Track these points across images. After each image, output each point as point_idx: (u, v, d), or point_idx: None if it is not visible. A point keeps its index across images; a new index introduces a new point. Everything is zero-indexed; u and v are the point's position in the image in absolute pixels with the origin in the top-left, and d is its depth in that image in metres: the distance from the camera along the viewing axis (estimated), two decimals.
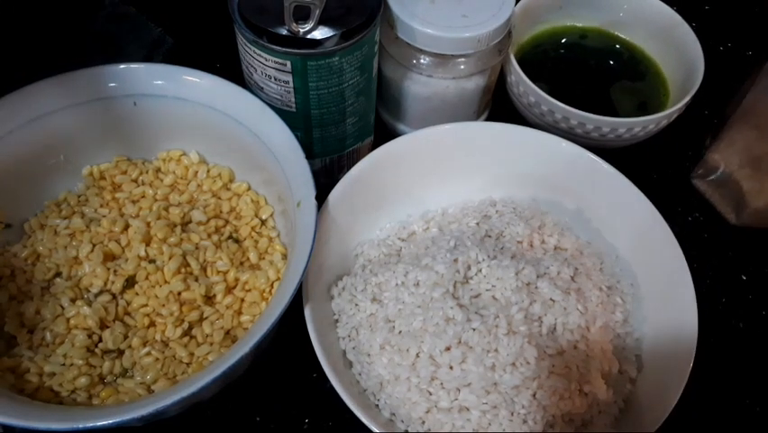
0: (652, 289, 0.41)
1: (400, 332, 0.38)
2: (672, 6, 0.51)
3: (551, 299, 0.38)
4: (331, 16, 0.37)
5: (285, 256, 0.42)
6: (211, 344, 0.38)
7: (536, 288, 0.38)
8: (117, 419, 0.31)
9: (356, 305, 0.40)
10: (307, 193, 0.37)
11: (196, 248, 0.41)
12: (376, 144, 0.44)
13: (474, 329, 0.36)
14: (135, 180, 0.44)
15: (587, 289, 0.39)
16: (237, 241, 0.43)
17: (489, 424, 0.35)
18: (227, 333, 0.39)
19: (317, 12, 0.36)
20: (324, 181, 0.42)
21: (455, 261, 0.39)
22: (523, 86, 0.47)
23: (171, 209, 0.42)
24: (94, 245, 0.40)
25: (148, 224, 0.41)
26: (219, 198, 0.44)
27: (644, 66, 0.53)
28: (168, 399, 0.31)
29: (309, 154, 0.39)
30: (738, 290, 0.47)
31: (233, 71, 0.42)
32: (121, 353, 0.38)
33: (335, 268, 0.41)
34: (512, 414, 0.35)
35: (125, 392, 0.37)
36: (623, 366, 0.38)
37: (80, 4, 0.50)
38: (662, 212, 0.41)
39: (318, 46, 0.37)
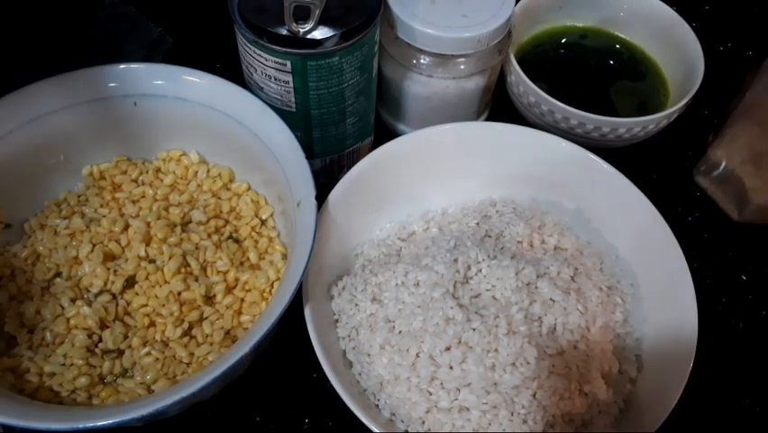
0: (652, 289, 0.41)
1: (400, 332, 0.38)
2: (671, 6, 0.51)
3: (551, 299, 0.38)
4: (331, 16, 0.37)
5: (285, 256, 0.42)
6: (211, 344, 0.38)
7: (536, 288, 0.38)
8: (117, 419, 0.31)
9: (356, 305, 0.40)
10: (307, 193, 0.37)
11: (196, 248, 0.41)
12: (376, 144, 0.44)
13: (474, 329, 0.36)
14: (135, 180, 0.44)
15: (587, 289, 0.39)
16: (237, 241, 0.43)
17: (489, 424, 0.35)
18: (227, 333, 0.39)
19: (317, 12, 0.36)
20: (324, 181, 0.42)
21: (455, 261, 0.39)
22: (523, 86, 0.47)
23: (171, 209, 0.42)
24: (94, 245, 0.40)
25: (148, 224, 0.41)
26: (219, 198, 0.44)
27: (644, 66, 0.53)
28: (168, 399, 0.31)
29: (309, 154, 0.39)
30: (738, 290, 0.47)
31: (233, 71, 0.42)
32: (121, 353, 0.38)
33: (335, 268, 0.41)
34: (512, 414, 0.35)
35: (125, 392, 0.37)
36: (623, 366, 0.38)
37: (80, 4, 0.50)
38: (663, 212, 0.41)
39: (318, 46, 0.37)
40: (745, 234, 0.49)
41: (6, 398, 0.34)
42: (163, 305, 0.39)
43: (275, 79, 0.39)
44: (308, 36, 0.36)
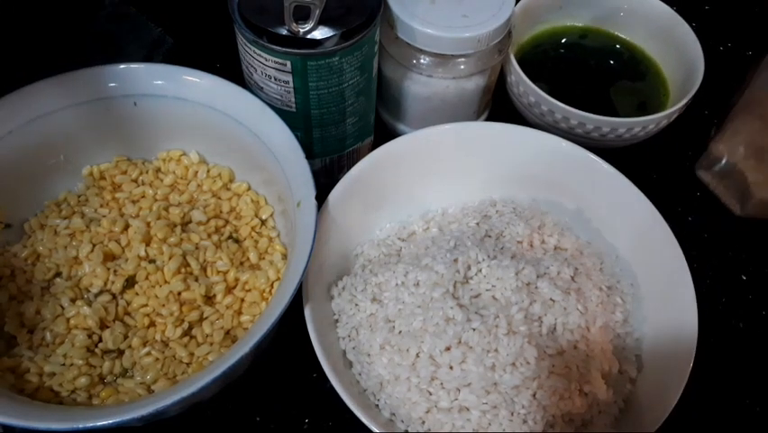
0: (652, 289, 0.41)
1: (400, 332, 0.38)
2: (671, 6, 0.51)
3: (551, 299, 0.38)
4: (331, 16, 0.37)
5: (285, 256, 0.42)
6: (211, 344, 0.38)
7: (536, 288, 0.38)
8: (117, 419, 0.31)
9: (356, 305, 0.40)
10: (307, 193, 0.37)
11: (196, 248, 0.41)
12: (376, 144, 0.44)
13: (474, 329, 0.36)
14: (135, 180, 0.44)
15: (587, 289, 0.39)
16: (237, 241, 0.43)
17: (489, 424, 0.35)
18: (227, 333, 0.39)
19: (317, 12, 0.36)
20: (324, 181, 0.42)
21: (455, 261, 0.39)
22: (523, 86, 0.47)
23: (171, 209, 0.42)
24: (94, 245, 0.40)
25: (148, 224, 0.41)
26: (219, 198, 0.44)
27: (644, 66, 0.53)
28: (168, 399, 0.31)
29: (309, 154, 0.39)
30: (738, 290, 0.47)
31: (233, 71, 0.42)
32: (121, 353, 0.38)
33: (335, 268, 0.41)
34: (512, 414, 0.35)
35: (125, 392, 0.37)
36: (623, 366, 0.38)
37: (80, 4, 0.50)
38: (663, 212, 0.41)
39: (318, 46, 0.37)
40: (747, 229, 0.49)
41: (6, 398, 0.34)
42: (163, 305, 0.39)
43: (275, 79, 0.39)
44: (308, 36, 0.36)
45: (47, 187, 0.43)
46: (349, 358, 0.39)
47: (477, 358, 0.36)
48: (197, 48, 0.52)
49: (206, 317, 0.39)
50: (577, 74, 0.52)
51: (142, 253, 0.40)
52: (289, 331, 0.37)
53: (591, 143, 0.46)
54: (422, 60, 0.44)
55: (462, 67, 0.44)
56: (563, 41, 0.54)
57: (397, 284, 0.39)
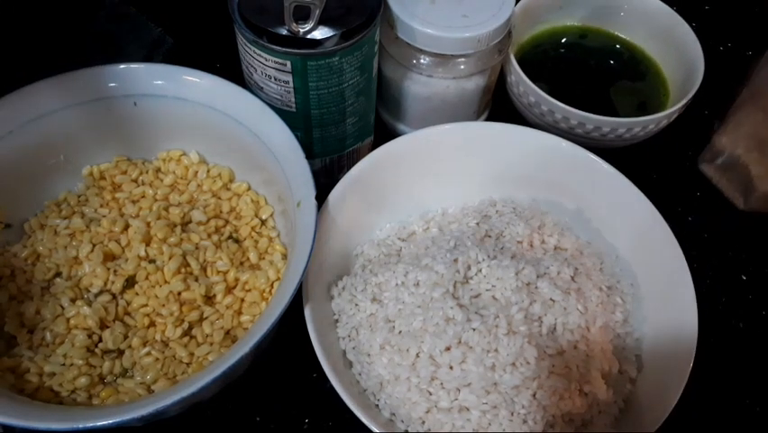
0: (652, 289, 0.41)
1: (400, 332, 0.38)
2: (671, 6, 0.51)
3: (551, 299, 0.38)
4: (331, 16, 0.37)
5: (285, 256, 0.42)
6: (211, 344, 0.38)
7: (536, 288, 0.38)
8: (117, 419, 0.31)
9: (356, 305, 0.40)
10: (307, 193, 0.37)
11: (196, 248, 0.41)
12: (376, 144, 0.44)
13: (474, 329, 0.36)
14: (135, 180, 0.44)
15: (587, 289, 0.39)
16: (237, 241, 0.43)
17: (489, 424, 0.35)
18: (227, 333, 0.39)
19: (317, 12, 0.36)
20: (324, 181, 0.42)
21: (455, 261, 0.39)
22: (523, 86, 0.47)
23: (171, 209, 0.42)
24: (94, 245, 0.40)
25: (148, 224, 0.41)
26: (219, 198, 0.44)
27: (644, 66, 0.53)
28: (168, 399, 0.31)
29: (309, 154, 0.39)
30: (738, 290, 0.47)
31: (233, 71, 0.42)
32: (121, 353, 0.38)
33: (335, 268, 0.41)
34: (512, 414, 0.35)
35: (125, 392, 0.37)
36: (623, 366, 0.38)
37: (80, 4, 0.50)
38: (663, 212, 0.41)
39: (318, 46, 0.37)
40: (748, 228, 0.49)
41: (6, 398, 0.34)
42: (163, 305, 0.39)
43: (275, 79, 0.39)
44: (308, 36, 0.36)
45: (47, 187, 0.43)
46: (349, 358, 0.39)
47: (477, 358, 0.36)
48: (197, 48, 0.52)
49: (206, 317, 0.39)
50: (577, 74, 0.52)
51: (142, 253, 0.40)
52: (289, 331, 0.37)
53: (591, 143, 0.46)
54: (422, 60, 0.44)
55: (462, 67, 0.44)
56: (563, 41, 0.54)
57: (397, 284, 0.39)
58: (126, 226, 0.41)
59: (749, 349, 0.44)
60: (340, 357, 0.38)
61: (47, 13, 0.47)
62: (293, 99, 0.40)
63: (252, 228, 0.43)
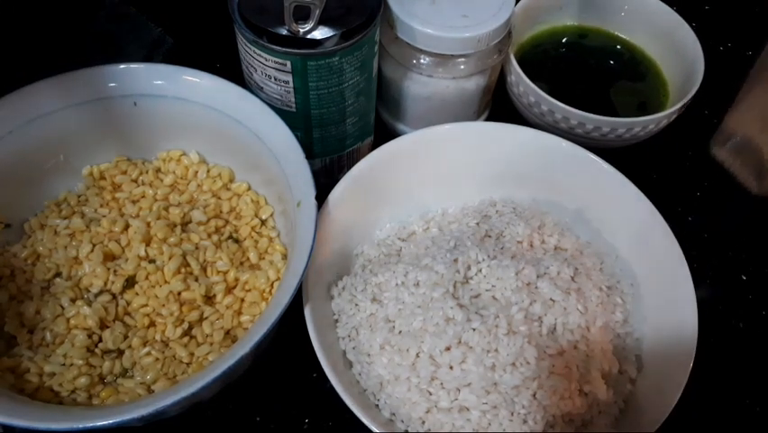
0: (652, 289, 0.41)
1: (400, 332, 0.38)
2: (671, 6, 0.51)
3: (551, 299, 0.38)
4: (331, 16, 0.37)
5: (285, 256, 0.42)
6: (211, 344, 0.38)
7: (536, 288, 0.38)
8: (117, 419, 0.31)
9: (356, 305, 0.40)
10: (307, 193, 0.37)
11: (196, 248, 0.41)
12: (376, 144, 0.44)
13: (474, 329, 0.36)
14: (135, 180, 0.44)
15: (587, 289, 0.39)
16: (237, 241, 0.42)
17: (489, 424, 0.35)
18: (227, 333, 0.39)
19: (317, 12, 0.36)
20: (324, 181, 0.42)
21: (455, 261, 0.39)
22: (523, 86, 0.47)
23: (171, 209, 0.42)
24: (94, 245, 0.40)
25: (148, 224, 0.41)
26: (219, 198, 0.44)
27: (644, 67, 0.53)
28: (168, 399, 0.31)
29: (309, 154, 0.39)
30: (738, 290, 0.47)
31: (233, 71, 0.42)
32: (121, 353, 0.38)
33: (335, 268, 0.41)
34: (512, 414, 0.35)
35: (125, 392, 0.37)
36: (623, 366, 0.38)
37: (80, 4, 0.50)
38: (662, 212, 0.41)
39: (318, 46, 0.37)
40: (748, 229, 0.48)
41: (6, 398, 0.34)
42: (163, 305, 0.39)
43: (275, 79, 0.39)
44: (308, 36, 0.36)
45: (47, 187, 0.43)
46: (349, 358, 0.39)
47: (477, 358, 0.36)
48: (197, 48, 0.52)
49: (206, 317, 0.39)
50: (577, 74, 0.52)
51: (142, 253, 0.40)
52: (289, 331, 0.37)
53: (591, 143, 0.46)
54: (422, 60, 0.44)
55: (462, 67, 0.44)
56: (563, 41, 0.54)
57: (397, 284, 0.39)
58: (126, 226, 0.41)
59: (749, 349, 0.44)
60: (340, 357, 0.38)
61: (47, 13, 0.47)
62: (293, 99, 0.40)
63: (252, 228, 0.43)
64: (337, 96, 0.40)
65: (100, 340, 0.38)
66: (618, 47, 0.54)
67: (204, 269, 0.40)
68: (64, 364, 0.37)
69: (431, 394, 0.36)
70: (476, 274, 0.39)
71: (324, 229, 0.39)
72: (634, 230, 0.42)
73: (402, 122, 0.50)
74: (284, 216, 0.42)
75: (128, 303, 0.39)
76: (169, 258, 0.39)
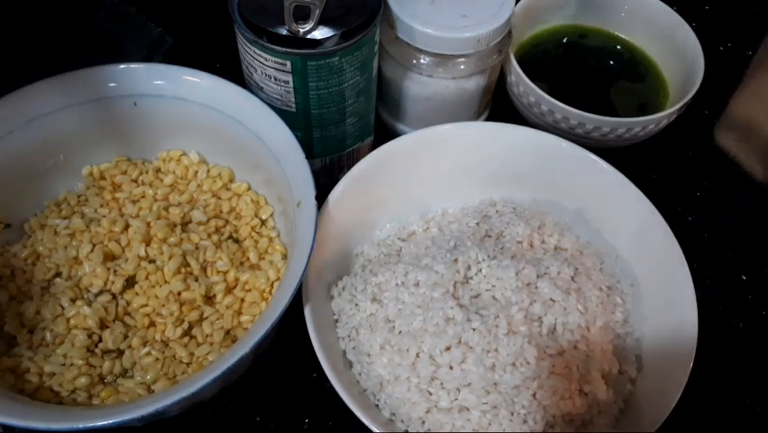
0: (652, 289, 0.41)
1: (400, 332, 0.38)
2: (671, 6, 0.51)
3: (551, 299, 0.38)
4: (331, 16, 0.37)
5: (285, 256, 0.42)
6: (211, 344, 0.38)
7: (536, 288, 0.38)
8: (117, 419, 0.31)
9: (356, 305, 0.40)
10: (307, 193, 0.37)
11: (196, 248, 0.41)
12: (376, 144, 0.44)
13: (474, 329, 0.36)
14: (135, 180, 0.44)
15: (587, 289, 0.39)
16: (237, 241, 0.42)
17: (489, 424, 0.35)
18: (227, 333, 0.39)
19: (317, 12, 0.36)
20: (324, 181, 0.42)
21: (455, 261, 0.39)
22: (523, 86, 0.47)
23: (171, 209, 0.42)
24: (94, 245, 0.40)
25: (148, 224, 0.41)
26: (219, 198, 0.44)
27: (644, 67, 0.53)
28: (168, 399, 0.31)
29: (309, 154, 0.39)
30: (738, 290, 0.47)
31: (233, 71, 0.42)
32: (121, 353, 0.38)
33: (335, 268, 0.41)
34: (512, 414, 0.35)
35: (125, 392, 0.37)
36: (623, 366, 0.38)
37: (80, 4, 0.50)
38: (663, 212, 0.41)
39: (318, 46, 0.37)
40: (748, 228, 0.48)
41: (6, 398, 0.34)
42: (163, 305, 0.39)
43: (275, 79, 0.39)
44: (308, 36, 0.36)
45: (47, 187, 0.43)
46: (349, 358, 0.39)
47: (477, 358, 0.36)
48: (197, 48, 0.52)
49: (206, 317, 0.39)
50: (577, 74, 0.52)
51: (142, 253, 0.40)
52: (289, 331, 0.37)
53: (591, 143, 0.46)
54: (422, 60, 0.44)
55: (462, 67, 0.44)
56: (563, 41, 0.54)
57: (397, 284, 0.39)
58: (126, 226, 0.41)
59: (749, 349, 0.44)
60: (340, 357, 0.38)
61: (47, 13, 0.47)
62: (293, 99, 0.40)
63: (252, 228, 0.43)
64: (337, 96, 0.40)
65: (100, 340, 0.38)
66: (618, 47, 0.54)
67: (204, 269, 0.40)
68: (64, 364, 0.37)
69: (431, 394, 0.36)
70: (476, 274, 0.39)
71: (324, 229, 0.39)
72: (634, 230, 0.42)
73: (402, 122, 0.50)
74: (284, 216, 0.42)
75: (128, 303, 0.39)
76: (169, 258, 0.39)
